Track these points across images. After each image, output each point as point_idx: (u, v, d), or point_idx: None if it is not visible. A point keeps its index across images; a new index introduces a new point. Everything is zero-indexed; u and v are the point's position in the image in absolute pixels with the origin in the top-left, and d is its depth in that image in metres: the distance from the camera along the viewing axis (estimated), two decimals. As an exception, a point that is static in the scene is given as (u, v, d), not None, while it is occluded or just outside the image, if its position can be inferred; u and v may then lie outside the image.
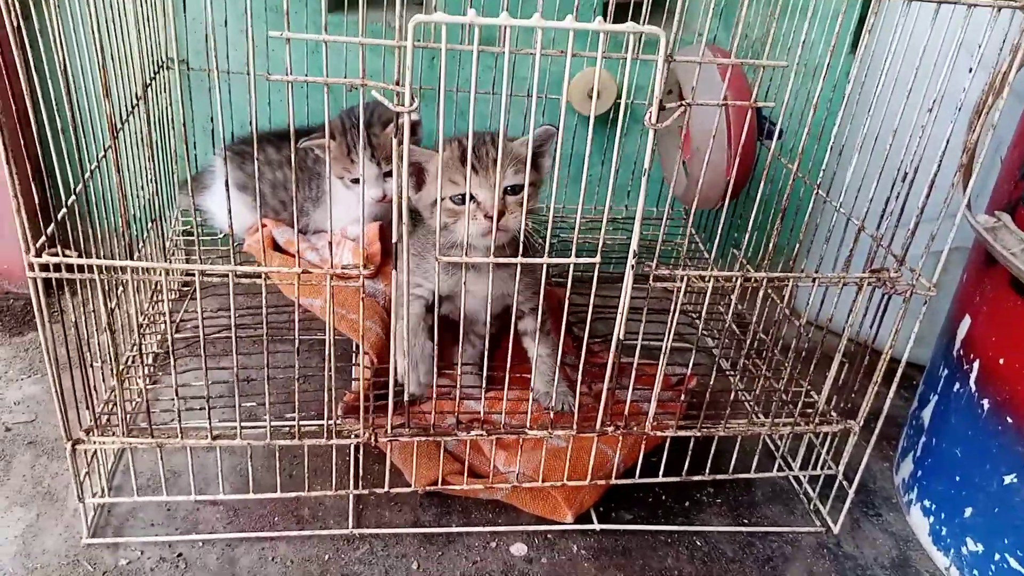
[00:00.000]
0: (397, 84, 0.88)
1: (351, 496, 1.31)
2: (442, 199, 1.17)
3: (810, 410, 1.31)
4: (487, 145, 1.19)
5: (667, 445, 1.30)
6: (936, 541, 1.31)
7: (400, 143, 0.92)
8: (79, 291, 1.09)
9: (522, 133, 1.02)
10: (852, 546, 1.33)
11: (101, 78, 0.91)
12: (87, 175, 1.09)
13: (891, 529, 1.38)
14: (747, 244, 1.39)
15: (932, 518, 1.32)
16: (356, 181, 1.45)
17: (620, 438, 1.26)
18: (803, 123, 1.23)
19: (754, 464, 1.35)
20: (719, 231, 1.25)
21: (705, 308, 1.20)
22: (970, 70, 1.02)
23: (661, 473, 1.29)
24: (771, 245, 1.20)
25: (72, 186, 1.06)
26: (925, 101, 1.05)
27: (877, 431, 1.26)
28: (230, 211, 0.98)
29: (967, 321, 1.27)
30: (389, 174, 1.44)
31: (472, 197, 1.16)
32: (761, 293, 1.28)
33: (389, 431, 1.17)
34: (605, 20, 0.88)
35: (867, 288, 1.17)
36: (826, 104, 1.18)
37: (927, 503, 1.34)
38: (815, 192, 1.24)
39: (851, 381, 1.26)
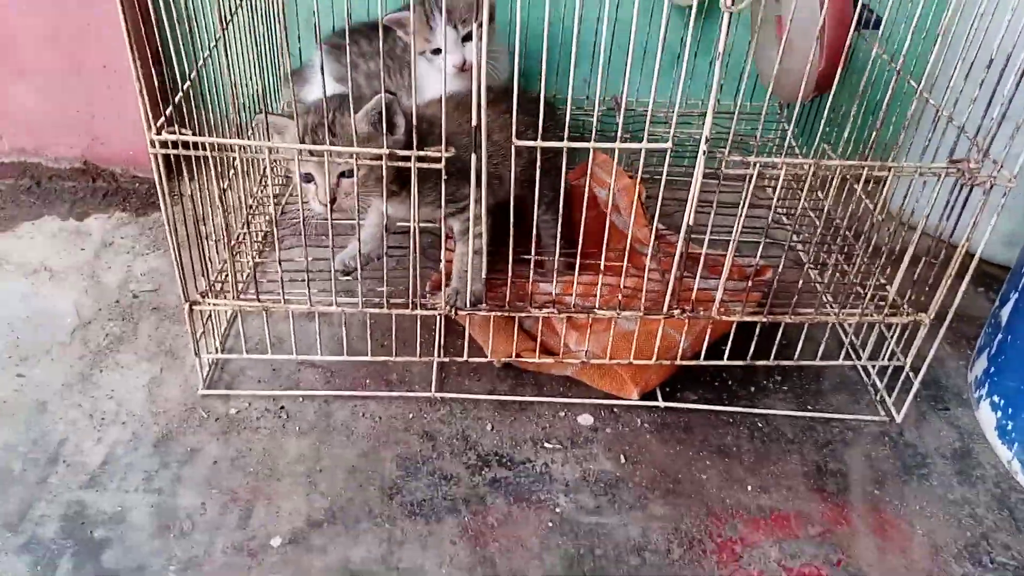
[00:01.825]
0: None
1: (435, 363, 1.43)
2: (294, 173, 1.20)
3: (882, 302, 1.32)
4: (326, 126, 1.14)
5: (733, 331, 1.35)
6: (1001, 435, 1.33)
7: (480, 24, 0.98)
8: (195, 172, 1.20)
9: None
10: (915, 436, 1.37)
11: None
12: (200, 62, 1.19)
13: (957, 423, 1.40)
14: (833, 136, 1.37)
15: (1000, 413, 1.34)
16: (436, 52, 1.50)
17: (687, 323, 1.32)
18: (902, 12, 1.20)
19: (820, 351, 1.38)
20: (809, 123, 1.25)
21: (777, 196, 1.22)
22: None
23: (727, 357, 1.35)
24: (848, 134, 1.19)
25: (187, 73, 1.17)
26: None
27: (947, 322, 1.27)
28: (324, 84, 1.06)
29: (1055, 217, 1.25)
30: (467, 37, 1.48)
31: (312, 179, 1.19)
32: (835, 182, 1.28)
33: (468, 306, 1.27)
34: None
35: (947, 179, 1.16)
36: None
37: (996, 399, 1.35)
38: (894, 80, 1.21)
39: (928, 276, 1.26)
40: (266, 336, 1.37)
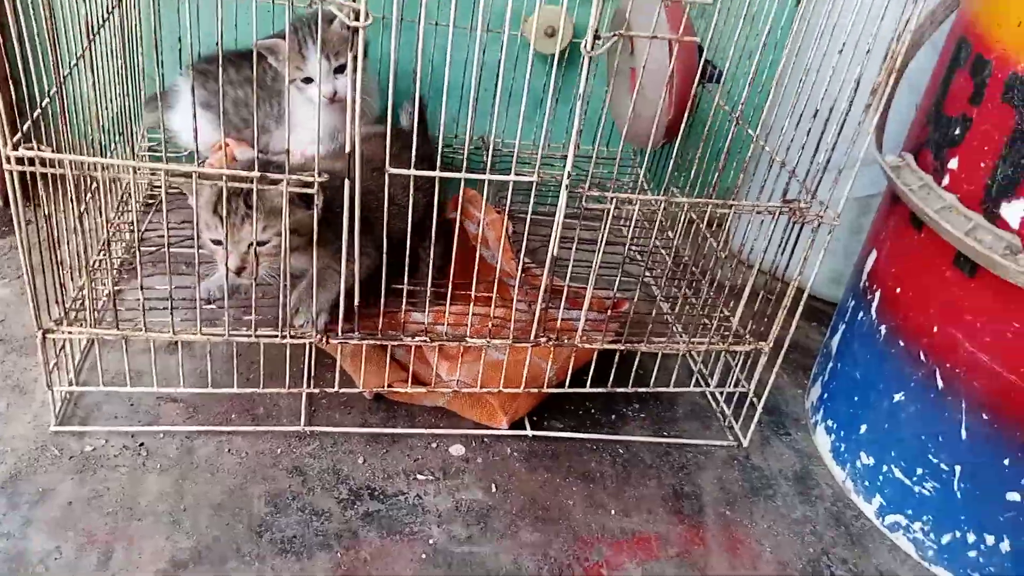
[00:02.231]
0: (353, 0, 0.97)
1: (304, 395, 1.41)
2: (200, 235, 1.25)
3: (727, 332, 1.43)
4: (241, 196, 1.18)
5: (594, 361, 1.42)
6: (836, 456, 1.46)
7: (355, 57, 1.01)
8: (52, 193, 1.15)
9: (476, 70, 1.08)
10: (760, 459, 1.47)
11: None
12: (62, 77, 1.15)
13: (798, 447, 1.52)
14: (681, 180, 1.48)
15: (833, 436, 1.46)
16: (308, 81, 1.52)
17: (552, 351, 1.38)
18: (739, 66, 1.33)
19: (673, 379, 1.48)
20: (662, 166, 1.35)
21: (631, 232, 1.31)
22: (881, 17, 1.12)
23: (589, 385, 1.42)
24: (694, 177, 1.30)
25: (47, 90, 1.12)
26: (841, 44, 1.16)
27: (783, 351, 1.39)
28: (195, 116, 1.05)
29: (873, 255, 1.40)
30: (339, 69, 1.50)
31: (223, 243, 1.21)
32: (683, 221, 1.39)
33: (339, 334, 1.27)
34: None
35: (781, 218, 1.29)
36: (770, 49, 1.27)
37: (830, 422, 1.48)
38: (733, 129, 1.34)
39: (767, 309, 1.38)
40: (124, 368, 1.31)
